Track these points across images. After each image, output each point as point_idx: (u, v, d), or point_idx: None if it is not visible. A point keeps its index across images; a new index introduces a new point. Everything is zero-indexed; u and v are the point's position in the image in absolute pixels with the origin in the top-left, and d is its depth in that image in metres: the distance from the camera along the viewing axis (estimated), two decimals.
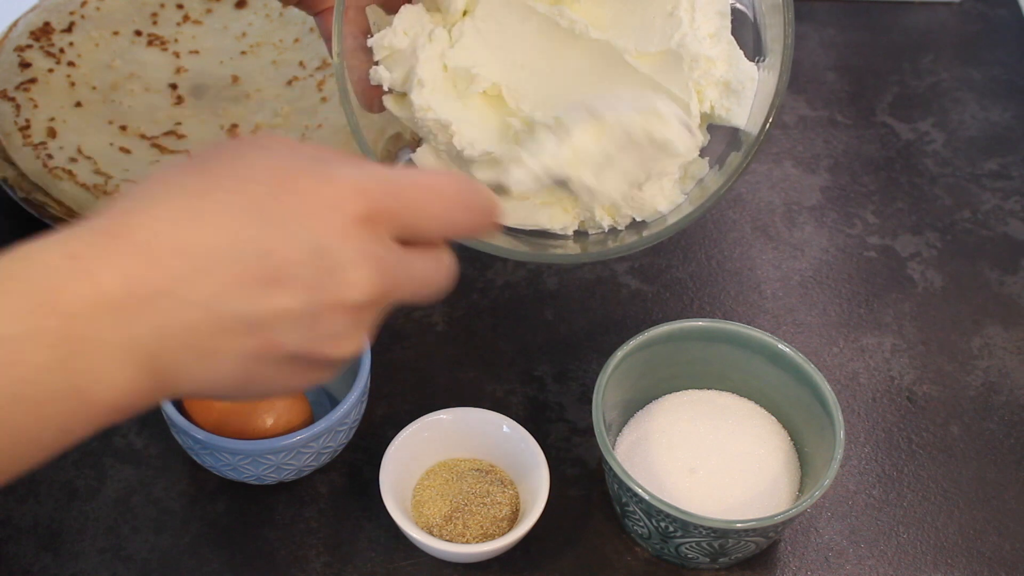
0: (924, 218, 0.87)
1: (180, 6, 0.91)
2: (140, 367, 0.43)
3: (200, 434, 0.66)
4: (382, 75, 0.62)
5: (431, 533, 0.67)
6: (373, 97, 0.62)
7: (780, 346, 0.70)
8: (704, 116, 0.63)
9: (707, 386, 0.73)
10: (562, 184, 0.59)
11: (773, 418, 0.72)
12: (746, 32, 0.65)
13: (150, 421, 0.73)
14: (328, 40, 0.63)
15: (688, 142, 0.59)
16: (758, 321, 0.81)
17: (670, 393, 0.73)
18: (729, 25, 0.64)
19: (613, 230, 0.64)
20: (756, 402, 0.72)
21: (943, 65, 0.98)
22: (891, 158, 0.91)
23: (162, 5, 0.91)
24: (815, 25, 1.00)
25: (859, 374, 0.78)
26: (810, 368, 0.69)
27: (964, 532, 0.71)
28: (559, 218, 0.64)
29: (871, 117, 0.94)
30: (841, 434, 0.66)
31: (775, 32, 0.63)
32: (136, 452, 0.73)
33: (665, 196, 0.63)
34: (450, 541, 0.66)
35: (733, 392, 0.73)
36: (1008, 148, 0.92)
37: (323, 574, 0.68)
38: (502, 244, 0.64)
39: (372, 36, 0.62)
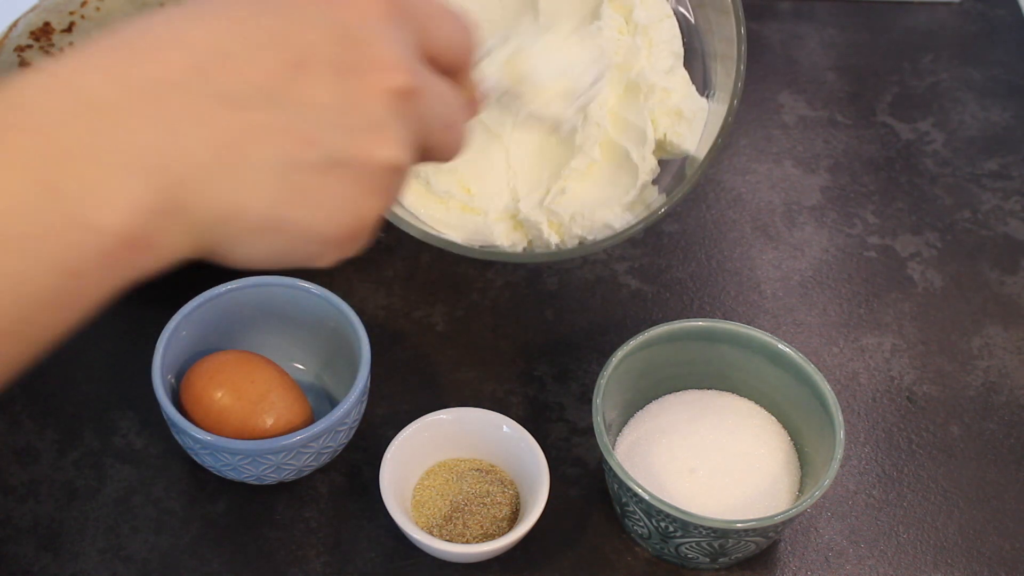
0: (924, 218, 0.87)
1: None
2: (148, 182, 0.36)
3: (200, 434, 0.66)
4: None
5: (431, 533, 0.67)
6: None
7: (780, 346, 0.70)
8: (658, 142, 0.67)
9: (707, 386, 0.73)
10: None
11: (773, 418, 0.72)
12: (696, 73, 0.69)
13: (150, 421, 0.73)
14: None
15: None
16: (758, 321, 0.80)
17: (670, 393, 0.73)
18: (682, 65, 0.68)
19: (559, 250, 0.68)
20: (756, 402, 0.72)
21: (943, 65, 0.98)
22: (891, 158, 0.91)
23: (162, 4, 0.91)
24: (815, 25, 1.00)
25: (859, 374, 0.78)
26: (810, 368, 0.69)
27: (964, 532, 0.71)
28: (509, 236, 0.66)
29: (871, 117, 0.94)
30: (841, 434, 0.66)
31: (723, 77, 0.67)
32: (136, 452, 0.73)
33: (616, 218, 0.66)
34: (450, 541, 0.66)
35: (733, 392, 0.73)
36: (1008, 148, 0.92)
37: (323, 574, 0.68)
38: (457, 240, 0.67)
39: None
